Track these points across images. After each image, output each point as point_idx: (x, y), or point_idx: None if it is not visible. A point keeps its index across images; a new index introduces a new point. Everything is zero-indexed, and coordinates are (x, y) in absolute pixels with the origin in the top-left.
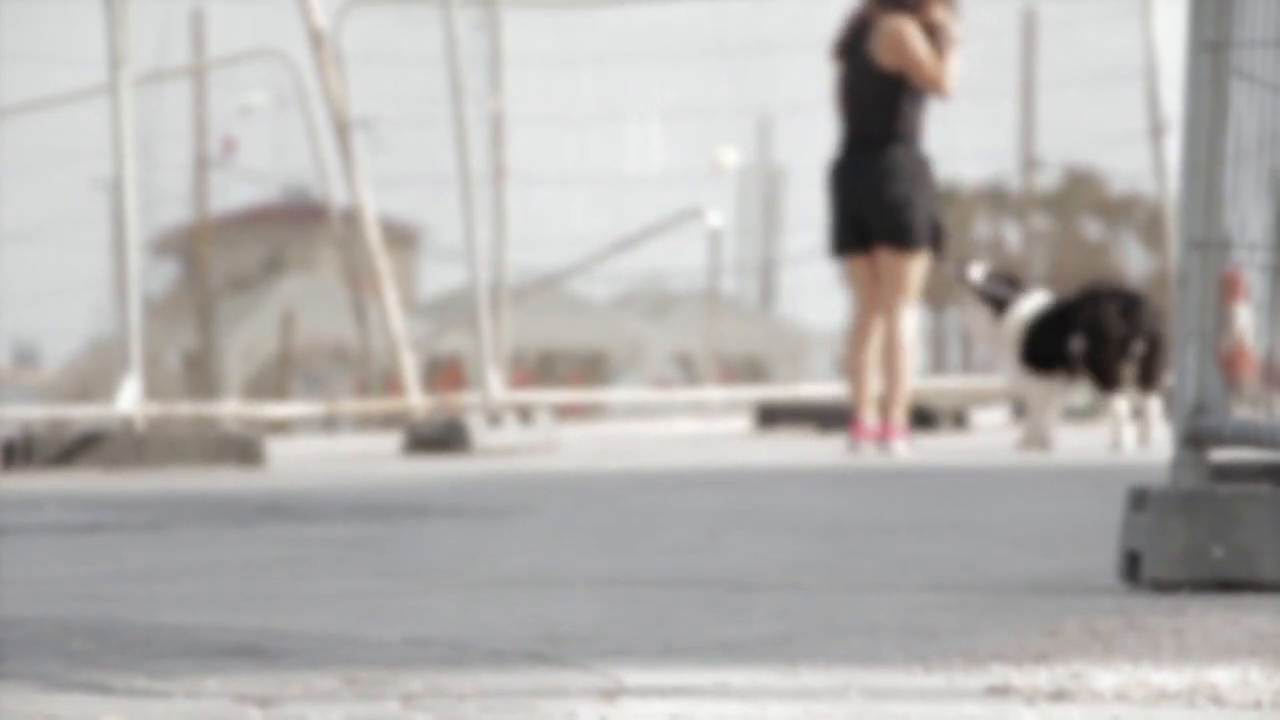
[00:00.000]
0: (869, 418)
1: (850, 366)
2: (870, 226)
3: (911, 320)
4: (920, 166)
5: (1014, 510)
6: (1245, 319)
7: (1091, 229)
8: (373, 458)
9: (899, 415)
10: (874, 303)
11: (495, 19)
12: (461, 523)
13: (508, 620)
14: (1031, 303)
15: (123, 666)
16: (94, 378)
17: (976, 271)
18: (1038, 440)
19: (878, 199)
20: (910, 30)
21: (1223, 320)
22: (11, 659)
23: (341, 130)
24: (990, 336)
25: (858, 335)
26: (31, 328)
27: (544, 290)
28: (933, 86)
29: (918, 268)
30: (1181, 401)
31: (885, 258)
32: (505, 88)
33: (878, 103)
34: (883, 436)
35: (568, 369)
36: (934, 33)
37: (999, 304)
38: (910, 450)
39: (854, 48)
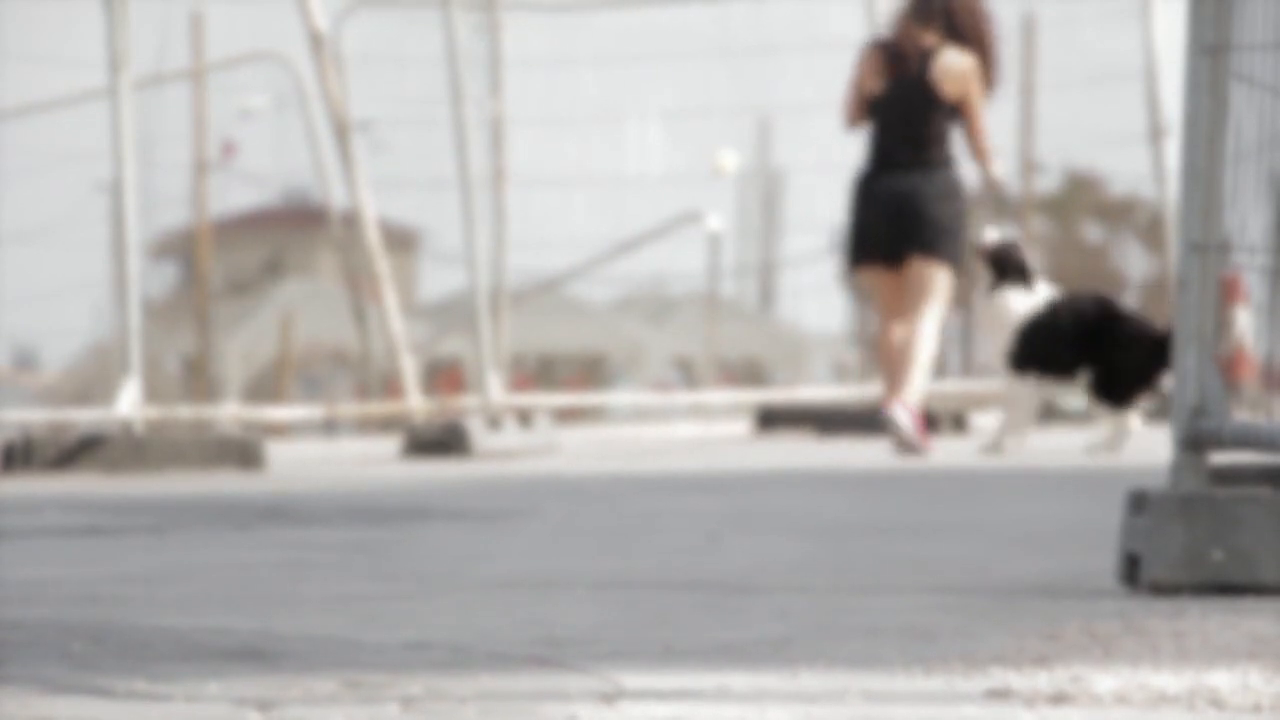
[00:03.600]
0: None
1: (882, 356)
2: (908, 241)
3: (936, 324)
4: (962, 192)
5: (1013, 513)
6: (1244, 322)
7: (1092, 232)
8: (372, 461)
9: (909, 390)
10: (899, 313)
11: (495, 21)
12: (461, 526)
13: (507, 623)
14: (1029, 298)
15: (122, 669)
16: (93, 381)
17: (993, 234)
18: (1001, 445)
19: (928, 217)
20: (977, 73)
21: (1222, 323)
22: (11, 662)
23: (341, 133)
24: (982, 311)
25: (886, 334)
26: (31, 330)
27: (544, 293)
28: (977, 136)
29: (948, 281)
30: (1181, 404)
31: (918, 268)
32: (505, 90)
33: (934, 126)
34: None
35: (567, 372)
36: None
37: (1001, 276)
38: (910, 425)
39: (907, 68)
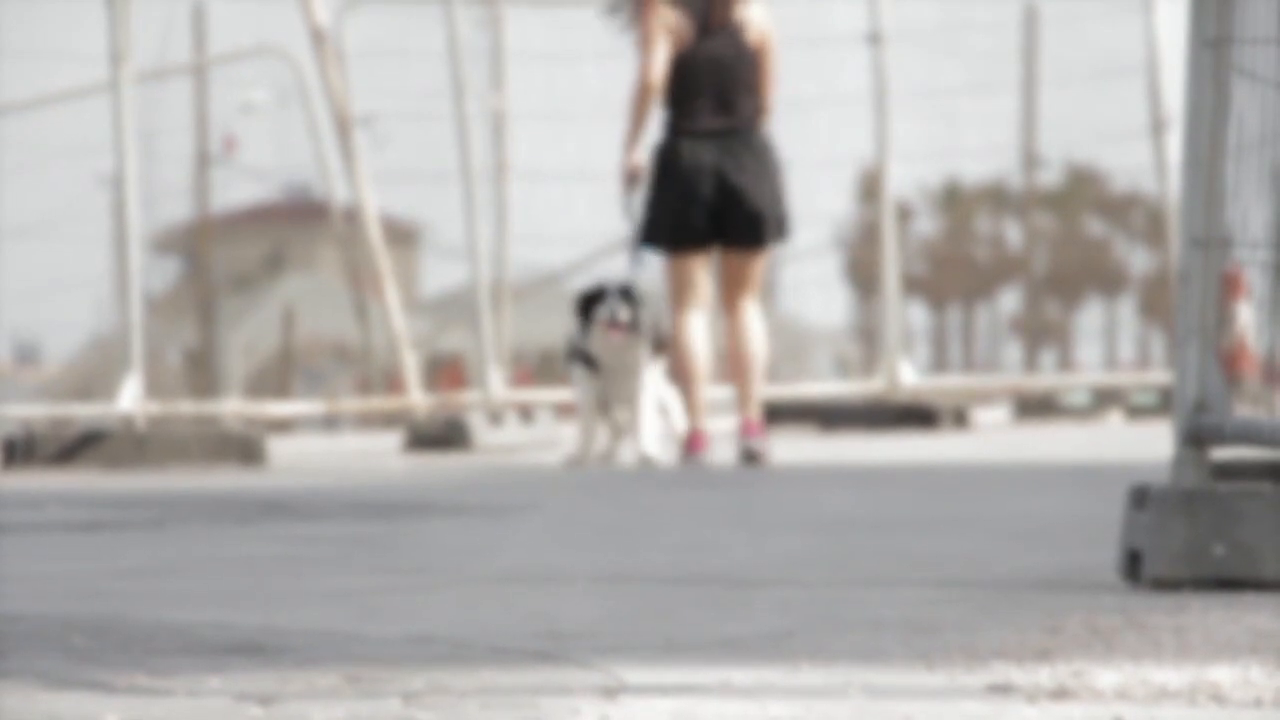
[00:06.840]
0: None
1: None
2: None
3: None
4: None
5: (1015, 507)
6: (1246, 317)
7: (1093, 227)
8: (374, 456)
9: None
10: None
11: (497, 15)
12: (462, 520)
13: (509, 618)
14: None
15: (124, 664)
16: (95, 376)
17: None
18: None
19: None
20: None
21: (1223, 318)
22: (13, 656)
23: (343, 127)
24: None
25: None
26: (33, 324)
27: (546, 288)
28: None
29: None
30: (1183, 400)
31: None
32: (507, 84)
33: None
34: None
35: (569, 367)
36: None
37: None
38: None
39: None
